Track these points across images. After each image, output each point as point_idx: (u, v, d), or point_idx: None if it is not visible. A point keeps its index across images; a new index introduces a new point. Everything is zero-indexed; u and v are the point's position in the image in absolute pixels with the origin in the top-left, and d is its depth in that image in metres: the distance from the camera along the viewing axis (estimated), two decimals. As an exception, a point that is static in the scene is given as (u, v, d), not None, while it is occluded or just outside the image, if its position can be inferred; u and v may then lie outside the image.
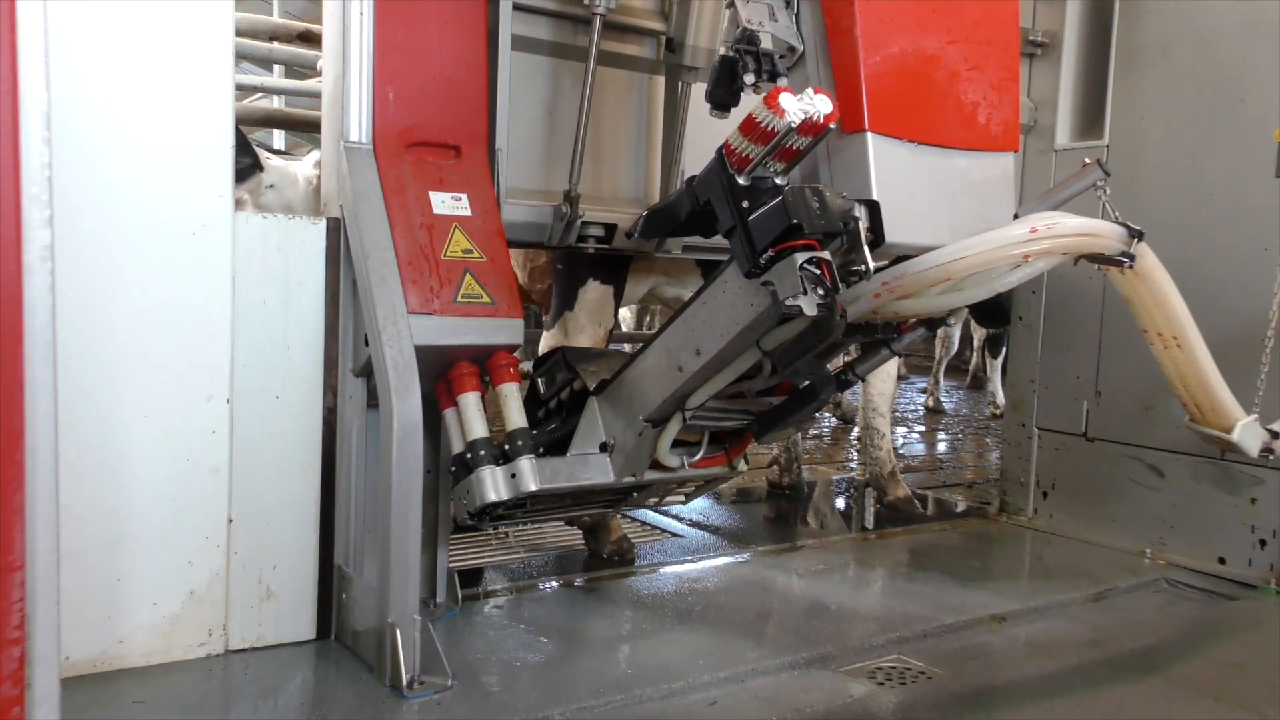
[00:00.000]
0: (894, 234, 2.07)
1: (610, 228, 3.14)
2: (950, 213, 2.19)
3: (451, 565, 3.41)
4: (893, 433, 7.21)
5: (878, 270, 2.10)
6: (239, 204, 3.02)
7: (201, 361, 2.50)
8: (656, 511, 4.29)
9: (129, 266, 2.39)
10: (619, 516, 3.69)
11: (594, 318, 3.52)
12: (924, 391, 9.26)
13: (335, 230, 2.67)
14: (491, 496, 2.58)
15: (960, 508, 4.81)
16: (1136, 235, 2.21)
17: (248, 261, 2.55)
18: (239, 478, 2.57)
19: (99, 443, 2.38)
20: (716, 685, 2.60)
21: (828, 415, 7.78)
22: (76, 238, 2.31)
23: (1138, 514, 4.01)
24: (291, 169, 3.21)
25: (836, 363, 3.09)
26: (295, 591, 2.68)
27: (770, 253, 1.95)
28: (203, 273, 2.49)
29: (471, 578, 3.35)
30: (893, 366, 4.64)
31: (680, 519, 4.28)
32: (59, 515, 2.33)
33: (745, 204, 1.98)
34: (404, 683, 2.40)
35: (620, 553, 3.61)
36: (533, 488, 2.57)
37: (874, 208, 2.07)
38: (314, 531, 2.69)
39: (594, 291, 3.52)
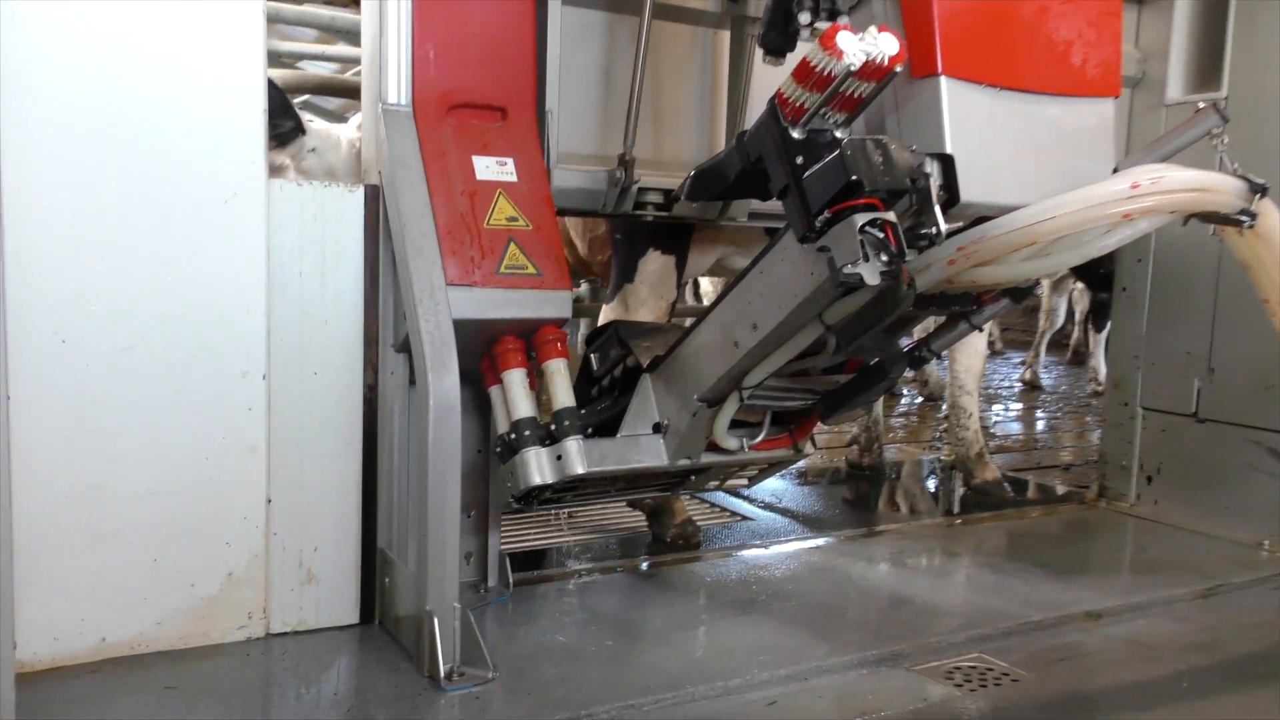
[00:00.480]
0: (971, 192, 1.83)
1: (670, 194, 2.94)
2: (1038, 167, 1.93)
3: (506, 548, 3.30)
4: (986, 410, 6.87)
5: (952, 234, 1.86)
6: (279, 170, 2.93)
7: (235, 336, 2.40)
8: (726, 493, 4.10)
9: (157, 238, 2.29)
10: (682, 499, 3.51)
11: (655, 290, 3.34)
12: (1022, 365, 8.83)
13: (374, 198, 2.54)
14: (536, 480, 2.43)
15: (1056, 492, 4.50)
16: (1259, 191, 1.91)
17: (282, 231, 2.44)
18: (277, 457, 2.48)
19: (131, 421, 2.30)
20: (777, 683, 2.42)
21: (913, 392, 7.46)
22: (100, 208, 2.23)
23: (1254, 502, 3.67)
24: (334, 132, 3.10)
25: (923, 332, 2.85)
26: (337, 574, 2.58)
27: (827, 214, 1.73)
28: (235, 243, 2.38)
29: (527, 560, 3.22)
30: (981, 341, 4.35)
31: (752, 500, 4.08)
32: (102, 496, 2.29)
33: (799, 160, 1.77)
34: (441, 674, 2.27)
35: (684, 537, 3.44)
36: (579, 471, 2.42)
37: (948, 162, 1.83)
38: (356, 513, 2.59)
39: (655, 262, 3.33)
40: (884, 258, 1.70)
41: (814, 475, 4.67)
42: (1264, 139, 3.55)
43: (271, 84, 2.42)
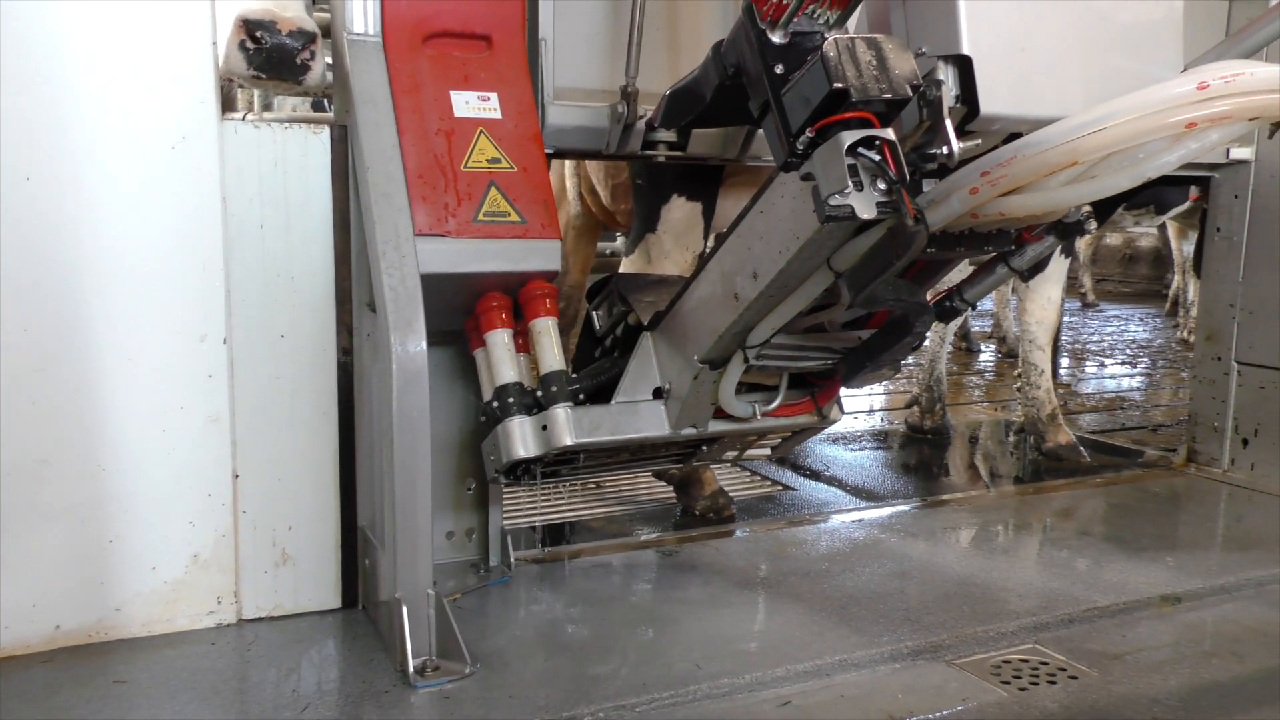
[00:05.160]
0: (995, 102, 1.49)
1: (687, 131, 2.62)
2: (1084, 70, 1.57)
3: (517, 523, 3.08)
4: (1079, 368, 6.39)
5: (975, 156, 1.52)
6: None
7: (191, 296, 2.19)
8: (768, 460, 3.80)
9: (99, 189, 2.08)
10: (713, 468, 3.23)
11: (680, 240, 3.04)
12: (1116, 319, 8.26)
13: (344, 140, 2.29)
14: (520, 452, 2.18)
15: (1140, 457, 4.08)
16: (1366, 91, 1.53)
17: (239, 179, 2.21)
18: (243, 428, 2.27)
19: (78, 390, 2.11)
20: (793, 680, 2.14)
21: (991, 348, 7.00)
22: (34, 157, 2.02)
23: (1367, 468, 3.24)
24: None
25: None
26: (315, 555, 2.38)
27: (809, 134, 1.42)
28: (186, 193, 2.16)
29: (542, 536, 2.99)
30: (1055, 290, 3.93)
31: (798, 468, 3.79)
32: (50, 472, 2.11)
33: (779, 69, 1.45)
34: (411, 669, 2.05)
35: (715, 509, 3.16)
36: (567, 442, 2.16)
37: (965, 66, 1.49)
38: (333, 489, 2.37)
39: (679, 210, 3.03)
40: (881, 185, 1.38)
41: (870, 440, 4.34)
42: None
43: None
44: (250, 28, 2.17)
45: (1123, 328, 8.70)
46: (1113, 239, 12.19)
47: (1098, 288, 11.16)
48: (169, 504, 2.22)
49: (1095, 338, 8.02)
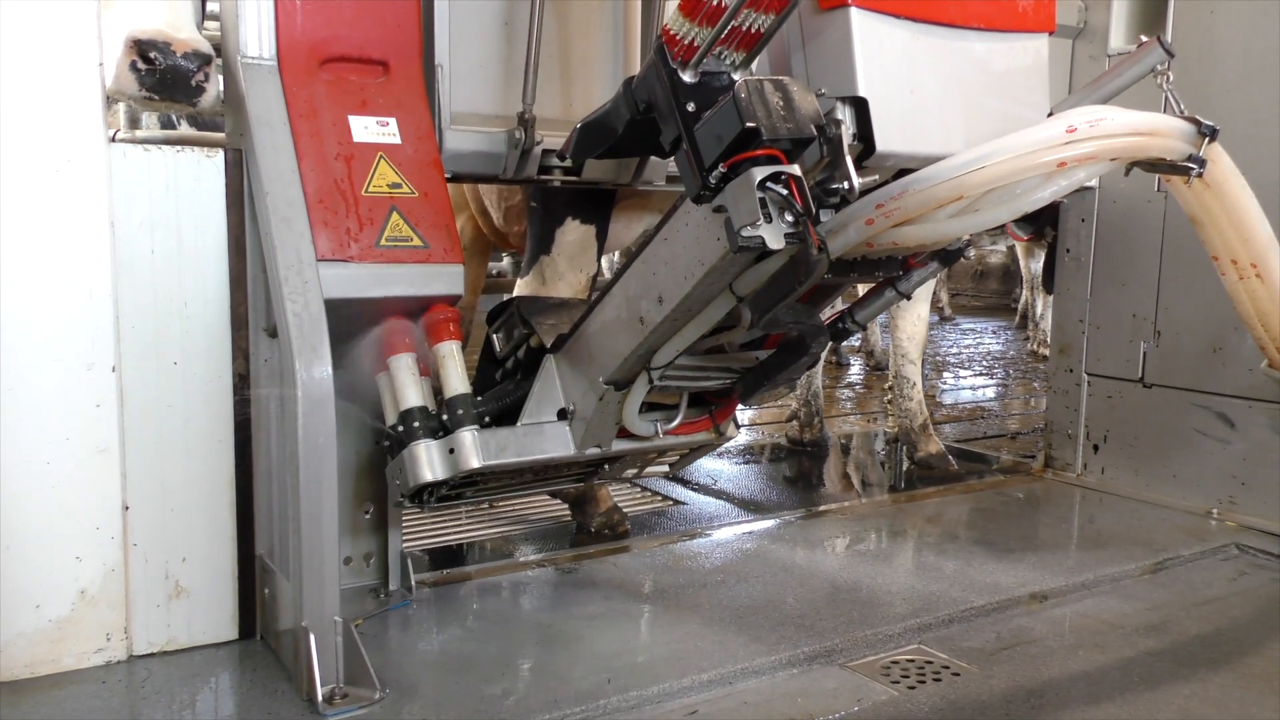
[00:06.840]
0: (888, 141, 1.61)
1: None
2: (964, 112, 1.71)
3: (413, 545, 3.07)
4: (937, 380, 6.72)
5: (871, 189, 1.64)
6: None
7: (77, 323, 2.12)
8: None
9: (-23, 213, 2.00)
10: (608, 485, 3.29)
11: (574, 263, 3.09)
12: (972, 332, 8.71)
13: (239, 164, 2.26)
14: (427, 476, 2.19)
15: (1002, 464, 4.34)
16: (1207, 134, 1.71)
17: (129, 203, 2.16)
18: (134, 458, 2.21)
19: (-46, 423, 2.02)
20: (699, 689, 2.21)
21: (859, 362, 7.30)
22: (-94, 180, 1.93)
23: (1203, 469, 3.55)
24: None
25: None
26: (211, 586, 2.32)
27: (721, 168, 1.50)
28: (72, 218, 2.09)
29: (437, 559, 2.99)
30: (924, 308, 4.16)
31: (686, 483, 3.87)
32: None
33: (691, 107, 1.53)
34: (320, 698, 2.03)
35: (610, 526, 3.22)
36: (474, 465, 2.18)
37: (861, 107, 1.60)
38: (229, 518, 2.33)
39: (573, 233, 3.08)
40: (789, 218, 1.47)
41: (753, 453, 4.47)
42: (1211, 90, 3.38)
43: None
44: (143, 48, 2.12)
45: (978, 340, 9.18)
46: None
47: (953, 302, 11.75)
48: (53, 539, 2.13)
49: (954, 350, 8.44)
